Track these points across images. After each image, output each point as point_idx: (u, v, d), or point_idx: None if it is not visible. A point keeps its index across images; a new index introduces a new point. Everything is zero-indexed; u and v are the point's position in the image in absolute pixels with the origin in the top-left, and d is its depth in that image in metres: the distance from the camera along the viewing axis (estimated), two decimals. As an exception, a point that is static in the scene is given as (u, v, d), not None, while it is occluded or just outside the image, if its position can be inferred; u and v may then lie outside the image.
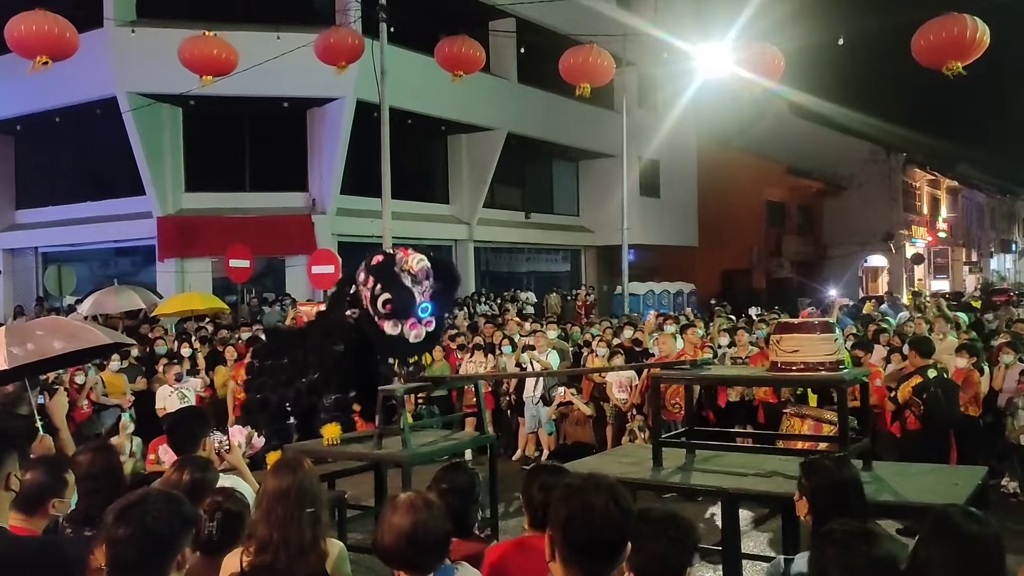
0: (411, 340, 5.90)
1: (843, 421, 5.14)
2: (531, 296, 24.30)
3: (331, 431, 5.92)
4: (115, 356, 10.51)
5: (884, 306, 20.69)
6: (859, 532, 2.60)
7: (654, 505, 2.85)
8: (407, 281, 5.84)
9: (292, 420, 6.41)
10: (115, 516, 2.35)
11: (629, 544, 2.26)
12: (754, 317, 16.22)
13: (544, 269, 29.06)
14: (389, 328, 5.76)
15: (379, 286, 5.76)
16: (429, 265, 5.95)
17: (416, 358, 6.90)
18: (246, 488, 3.70)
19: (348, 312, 6.10)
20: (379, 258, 5.96)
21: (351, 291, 6.13)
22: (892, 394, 7.94)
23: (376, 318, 5.77)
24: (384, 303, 5.70)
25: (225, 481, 3.67)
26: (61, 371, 9.74)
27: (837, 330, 5.50)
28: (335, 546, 3.04)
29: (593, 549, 2.23)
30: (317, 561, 2.95)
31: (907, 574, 2.57)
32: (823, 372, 5.11)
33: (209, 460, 3.71)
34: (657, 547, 2.44)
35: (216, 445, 4.27)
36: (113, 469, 3.46)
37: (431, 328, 6.03)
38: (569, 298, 24.62)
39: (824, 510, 3.14)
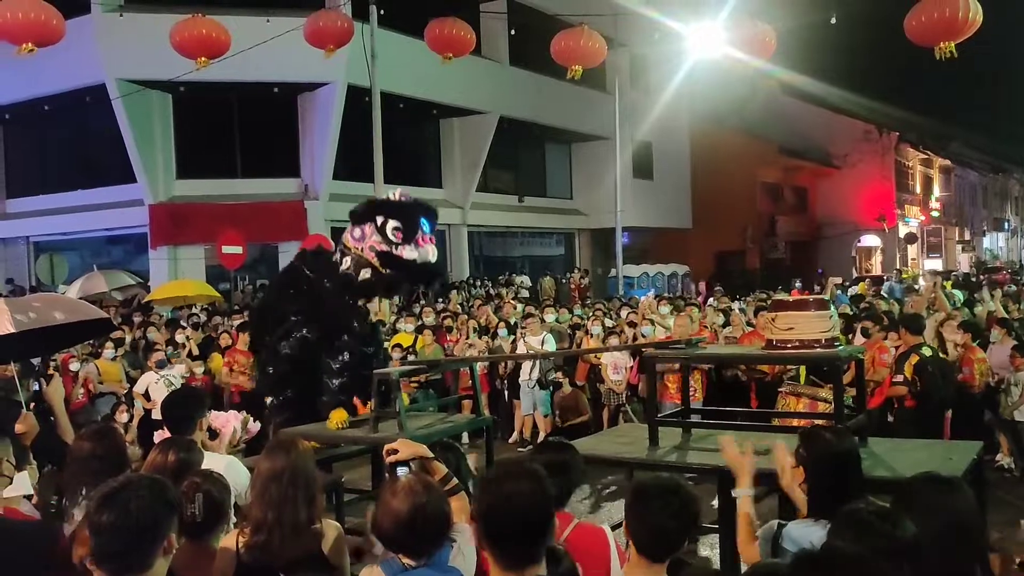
0: (430, 259, 5.84)
1: (838, 398, 5.13)
2: (526, 280, 24.28)
3: (338, 416, 5.91)
4: (109, 344, 10.48)
5: (891, 283, 20.44)
6: (881, 513, 2.50)
7: (656, 474, 2.85)
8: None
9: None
10: (98, 504, 2.29)
11: (556, 523, 2.30)
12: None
13: (538, 253, 29.02)
14: (409, 253, 5.73)
15: (380, 219, 5.74)
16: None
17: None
18: (242, 470, 3.69)
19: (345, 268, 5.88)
20: (363, 206, 5.93)
21: (337, 258, 6.00)
22: (899, 377, 7.94)
23: (393, 250, 5.72)
24: (394, 230, 5.69)
25: (221, 462, 3.66)
26: (54, 359, 9.71)
27: (832, 307, 5.49)
28: (333, 528, 3.02)
29: (515, 536, 2.28)
30: (312, 541, 2.94)
31: None
32: (818, 349, 5.12)
33: (193, 441, 3.68)
34: (658, 520, 2.44)
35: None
36: (118, 450, 3.42)
37: (434, 244, 6.00)
38: (563, 281, 24.61)
39: (821, 480, 3.14)
